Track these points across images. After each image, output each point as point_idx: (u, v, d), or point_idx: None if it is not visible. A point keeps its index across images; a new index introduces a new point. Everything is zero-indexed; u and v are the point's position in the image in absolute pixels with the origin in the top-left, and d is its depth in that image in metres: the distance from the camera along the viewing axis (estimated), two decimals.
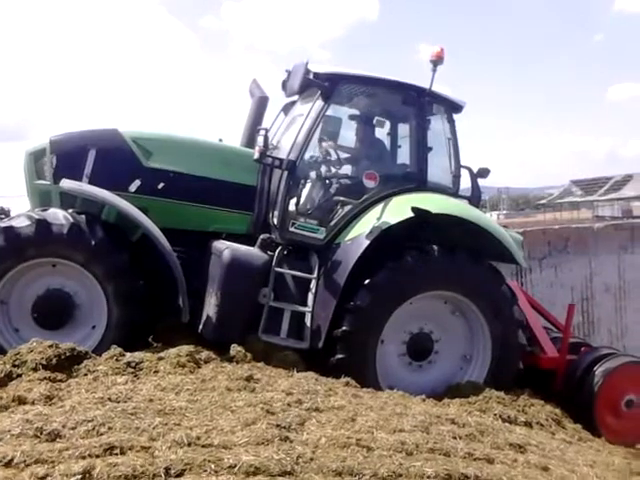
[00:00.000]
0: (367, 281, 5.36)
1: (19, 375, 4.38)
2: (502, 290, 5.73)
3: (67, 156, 5.82)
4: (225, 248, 5.48)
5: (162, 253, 5.38)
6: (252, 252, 5.58)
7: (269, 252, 5.67)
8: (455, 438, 3.89)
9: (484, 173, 6.62)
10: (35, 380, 4.27)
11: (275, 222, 5.82)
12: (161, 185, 5.87)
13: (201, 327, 5.50)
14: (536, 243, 8.81)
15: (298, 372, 4.93)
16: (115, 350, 4.76)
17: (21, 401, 3.88)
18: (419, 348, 5.68)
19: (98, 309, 5.41)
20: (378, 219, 5.55)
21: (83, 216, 5.45)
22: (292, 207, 5.81)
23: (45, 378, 4.30)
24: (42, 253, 5.28)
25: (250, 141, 6.63)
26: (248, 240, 5.80)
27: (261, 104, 6.70)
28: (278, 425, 3.62)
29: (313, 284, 5.59)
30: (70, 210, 5.57)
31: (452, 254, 5.59)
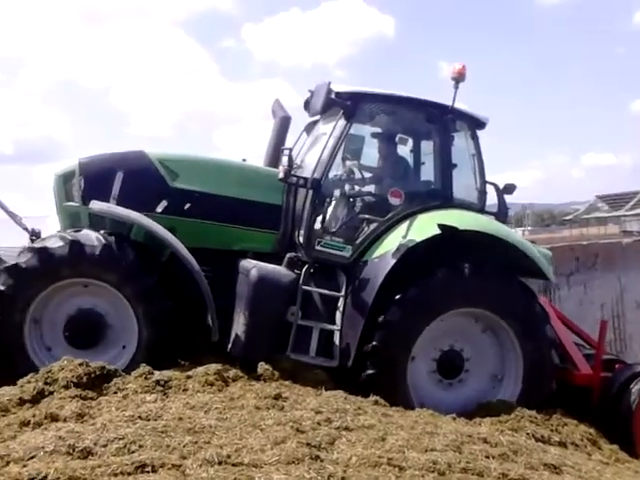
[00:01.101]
0: (397, 297, 5.34)
1: (51, 392, 4.41)
2: (534, 307, 5.65)
3: (95, 178, 5.91)
4: (252, 267, 5.49)
5: (191, 273, 5.41)
6: (279, 271, 5.58)
7: (296, 270, 5.68)
8: (488, 458, 3.82)
9: (510, 189, 6.57)
10: (66, 398, 4.30)
11: (301, 241, 5.83)
12: (187, 205, 5.93)
13: (230, 346, 5.50)
14: (564, 259, 8.68)
15: (327, 390, 4.91)
16: (144, 368, 4.78)
17: (53, 418, 3.91)
18: (449, 366, 5.62)
19: (129, 329, 5.46)
20: (405, 236, 5.53)
21: (114, 237, 5.52)
22: (318, 225, 5.82)
23: (76, 396, 4.33)
24: (75, 273, 5.35)
25: (273, 161, 6.70)
26: (273, 259, 5.81)
27: (284, 124, 6.76)
28: (308, 444, 3.59)
29: (341, 302, 5.59)
30: (101, 231, 5.65)
31: (482, 271, 5.54)
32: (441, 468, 3.49)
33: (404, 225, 5.69)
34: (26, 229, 6.34)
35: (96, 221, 5.86)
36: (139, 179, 5.92)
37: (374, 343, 5.26)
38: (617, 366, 6.21)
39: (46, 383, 4.51)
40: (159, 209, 5.88)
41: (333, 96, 5.79)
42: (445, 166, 6.09)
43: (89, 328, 5.44)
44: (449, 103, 5.88)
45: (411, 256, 5.43)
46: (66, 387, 4.45)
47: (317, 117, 6.67)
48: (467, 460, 3.67)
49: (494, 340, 5.72)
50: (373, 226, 5.86)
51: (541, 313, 5.69)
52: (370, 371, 5.24)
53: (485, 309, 5.57)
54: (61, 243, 5.32)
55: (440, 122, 6.06)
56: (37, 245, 5.44)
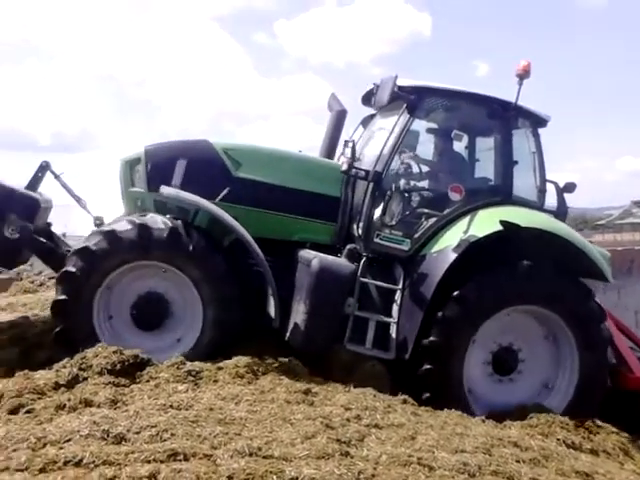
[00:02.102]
0: (456, 293, 5.34)
1: (85, 378, 4.49)
2: (591, 306, 5.60)
3: (160, 165, 5.99)
4: (314, 257, 5.50)
5: (255, 259, 5.48)
6: (340, 262, 5.59)
7: (354, 262, 5.70)
8: (519, 462, 3.79)
9: (570, 187, 6.51)
10: (100, 384, 4.38)
11: (360, 233, 5.87)
12: (249, 194, 6.00)
13: (288, 335, 5.52)
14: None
15: (383, 383, 5.02)
16: (177, 358, 4.84)
17: (87, 403, 3.98)
18: (504, 362, 5.62)
19: (193, 312, 5.54)
20: (465, 232, 5.53)
21: (180, 222, 5.61)
22: (377, 218, 5.84)
23: (110, 382, 4.41)
24: (142, 256, 5.44)
25: (329, 153, 6.78)
26: (330, 250, 5.85)
27: (340, 117, 6.79)
28: (338, 440, 3.60)
29: (398, 295, 5.61)
30: (167, 216, 5.74)
31: (541, 268, 5.50)
32: (471, 470, 3.48)
33: (465, 220, 5.68)
34: (90, 213, 6.45)
35: (160, 207, 5.98)
36: (203, 167, 5.98)
37: (432, 338, 5.27)
38: None
39: (80, 369, 4.59)
40: (221, 197, 5.91)
41: (396, 89, 5.76)
42: (506, 163, 6.06)
43: (155, 310, 5.55)
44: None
45: (470, 252, 5.42)
46: (100, 373, 4.53)
47: (374, 111, 6.74)
48: (497, 463, 3.65)
49: (554, 348, 5.68)
50: (432, 221, 5.86)
51: (598, 312, 5.63)
52: (427, 366, 5.24)
53: (542, 307, 5.53)
54: (129, 226, 5.41)
55: (502, 119, 6.03)
56: (106, 228, 5.55)
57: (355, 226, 5.96)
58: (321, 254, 5.59)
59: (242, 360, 4.94)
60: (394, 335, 5.48)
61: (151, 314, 5.55)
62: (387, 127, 6.03)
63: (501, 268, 5.46)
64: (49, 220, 6.58)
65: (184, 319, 5.59)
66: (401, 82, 5.75)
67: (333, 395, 4.56)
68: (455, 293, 5.33)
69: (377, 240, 5.79)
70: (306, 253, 5.70)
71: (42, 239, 5.93)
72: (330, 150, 6.80)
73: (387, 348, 5.48)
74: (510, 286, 5.45)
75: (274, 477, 3.02)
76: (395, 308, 5.57)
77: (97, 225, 6.12)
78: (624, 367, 5.94)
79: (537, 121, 6.29)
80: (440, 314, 5.29)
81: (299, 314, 5.44)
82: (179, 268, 5.48)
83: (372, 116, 6.86)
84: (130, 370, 4.64)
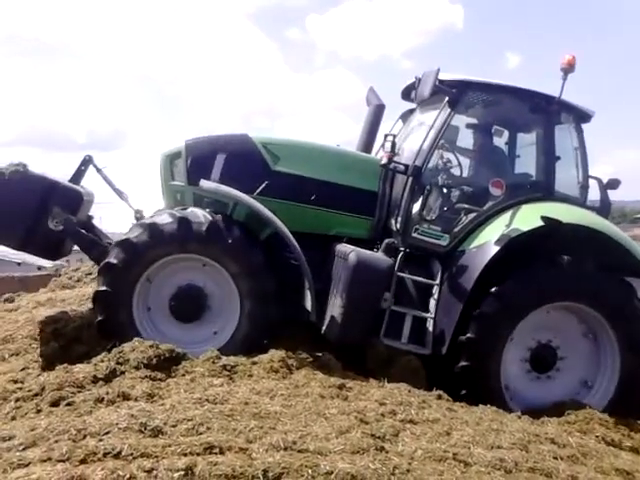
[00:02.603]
0: (495, 289, 5.29)
1: (122, 372, 4.56)
2: (634, 304, 5.48)
3: (200, 159, 6.06)
4: (351, 251, 5.50)
5: (292, 252, 5.53)
6: (378, 256, 5.60)
7: (392, 257, 5.69)
8: (556, 459, 3.74)
9: (614, 184, 6.40)
10: (137, 378, 4.44)
11: (398, 227, 5.84)
12: (287, 188, 6.03)
13: (324, 328, 5.54)
14: None
15: (418, 378, 5.02)
16: (212, 353, 4.89)
17: (125, 397, 4.05)
18: (542, 359, 5.55)
19: (231, 305, 5.60)
20: (507, 227, 5.48)
21: (220, 215, 5.68)
22: (415, 213, 5.81)
23: (146, 376, 4.47)
24: (182, 249, 5.52)
25: (367, 147, 6.77)
26: (367, 245, 5.85)
27: (378, 111, 6.77)
28: (373, 435, 3.60)
29: (435, 290, 5.59)
30: (207, 210, 5.82)
31: (582, 265, 5.41)
32: (508, 466, 3.44)
33: (506, 216, 5.62)
34: (131, 207, 6.56)
35: (199, 200, 6.05)
36: (242, 161, 6.04)
37: (469, 335, 5.23)
38: None
39: (118, 363, 4.66)
40: (259, 191, 5.95)
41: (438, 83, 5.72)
42: (548, 158, 5.97)
43: (193, 303, 5.62)
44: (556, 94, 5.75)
45: (511, 248, 5.36)
46: (137, 368, 4.59)
47: (413, 105, 6.70)
48: (535, 460, 3.61)
49: (593, 346, 5.60)
50: (472, 216, 5.81)
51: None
52: (464, 362, 5.20)
53: (583, 304, 5.44)
54: (170, 219, 5.51)
55: (545, 113, 5.93)
56: (147, 221, 5.65)
57: (393, 220, 5.93)
58: (358, 248, 5.58)
59: (276, 355, 4.97)
60: (431, 330, 5.45)
61: (189, 306, 5.61)
62: (427, 122, 5.98)
63: (541, 264, 5.38)
64: (90, 213, 6.69)
65: (222, 312, 5.65)
66: (442, 76, 5.69)
67: (367, 390, 4.56)
68: (494, 289, 5.27)
69: (415, 235, 5.76)
70: (343, 247, 5.70)
71: (85, 232, 6.04)
72: (368, 144, 6.78)
73: (423, 343, 5.46)
74: (550, 283, 5.36)
75: (309, 471, 3.03)
76: (432, 303, 5.55)
77: (137, 218, 6.22)
78: None
79: (580, 116, 6.16)
80: (478, 310, 5.24)
81: (336, 308, 5.44)
82: (217, 261, 5.54)
83: (411, 111, 6.82)
84: (166, 364, 4.70)
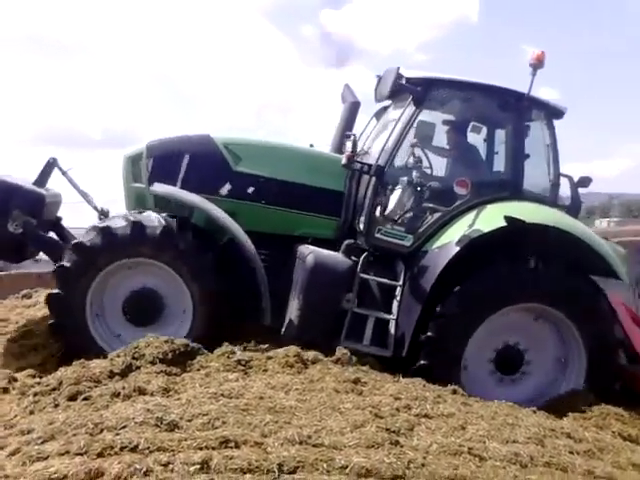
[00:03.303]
0: (456, 289, 5.20)
1: (138, 367, 4.58)
2: (599, 305, 5.39)
3: (162, 160, 6.03)
4: (309, 253, 5.48)
5: (246, 256, 5.53)
6: (336, 257, 5.55)
7: (354, 258, 5.62)
8: (572, 453, 3.73)
9: (585, 182, 6.27)
10: (152, 373, 4.46)
11: (361, 228, 5.75)
12: (250, 189, 5.98)
13: (283, 330, 5.54)
14: None
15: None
16: (227, 348, 4.91)
17: (141, 391, 4.07)
18: (508, 360, 5.44)
19: (185, 308, 5.62)
20: (469, 227, 5.37)
21: (175, 219, 5.67)
22: (379, 213, 5.71)
23: (162, 371, 4.49)
24: (135, 253, 5.53)
25: (340, 146, 6.62)
26: (333, 246, 5.78)
27: (353, 109, 6.64)
28: (387, 429, 3.60)
29: (398, 291, 5.49)
30: (164, 214, 5.79)
31: (546, 266, 5.32)
32: (523, 461, 3.44)
33: (469, 216, 5.51)
34: (95, 208, 6.54)
35: (161, 203, 6.00)
36: (204, 162, 6.00)
37: (429, 334, 5.16)
38: None
39: (134, 358, 4.69)
40: (222, 192, 5.94)
41: (403, 81, 5.66)
42: (517, 156, 5.84)
43: (146, 306, 5.63)
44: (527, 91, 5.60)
45: (474, 248, 5.26)
46: (152, 363, 4.61)
47: (388, 103, 6.55)
48: (550, 454, 3.60)
49: (561, 348, 5.50)
50: (437, 216, 5.70)
51: (607, 312, 5.42)
52: (423, 361, 5.12)
53: (547, 305, 5.33)
54: (124, 223, 5.51)
55: (514, 110, 5.80)
56: (101, 225, 5.64)
57: (357, 221, 5.85)
58: (318, 249, 5.55)
59: (291, 350, 4.96)
60: (393, 332, 5.37)
61: (143, 310, 5.63)
62: (396, 119, 5.86)
63: (502, 265, 5.28)
64: (59, 215, 6.71)
65: (176, 315, 5.66)
66: (408, 73, 5.63)
67: (382, 385, 4.55)
68: (455, 289, 5.19)
69: (378, 235, 5.66)
70: (304, 248, 5.66)
71: (47, 234, 6.09)
72: (342, 143, 6.58)
73: (385, 345, 5.38)
74: (511, 284, 5.26)
75: (324, 465, 3.05)
76: (395, 304, 5.46)
77: (101, 219, 6.19)
78: (637, 367, 5.66)
79: (552, 112, 6.02)
80: (438, 310, 5.17)
81: (294, 309, 5.43)
82: (170, 265, 5.54)
83: (385, 109, 6.66)
84: (181, 359, 4.72)
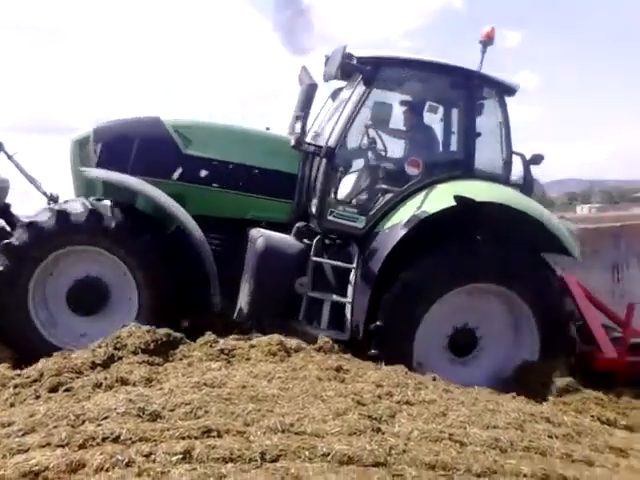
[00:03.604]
0: (403, 273, 5.20)
1: (120, 357, 4.57)
2: (550, 282, 5.43)
3: (111, 144, 5.93)
4: (259, 236, 5.46)
5: (193, 241, 5.50)
6: (286, 240, 5.54)
7: (306, 241, 5.60)
8: (551, 437, 3.76)
9: (537, 159, 6.29)
10: (135, 363, 4.45)
11: (314, 210, 5.71)
12: (201, 173, 5.92)
13: (235, 314, 5.52)
14: (635, 238, 8.35)
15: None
16: (209, 337, 4.89)
17: (123, 382, 4.07)
18: (462, 342, 5.49)
19: (130, 296, 5.59)
20: (418, 207, 5.35)
21: (105, 202, 5.64)
22: (331, 195, 5.70)
23: (144, 361, 4.48)
24: (67, 242, 5.47)
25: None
26: (289, 229, 5.75)
27: (310, 91, 6.43)
28: (369, 416, 3.62)
29: (352, 274, 5.46)
30: (91, 198, 5.75)
31: (496, 245, 5.33)
32: (503, 445, 3.47)
33: (419, 196, 5.49)
34: (45, 193, 6.45)
35: (110, 189, 5.90)
36: (153, 146, 5.92)
37: (378, 323, 5.16)
38: None
39: (115, 348, 4.67)
40: (173, 176, 5.87)
41: (354, 61, 5.61)
42: (468, 135, 5.81)
43: (90, 295, 5.59)
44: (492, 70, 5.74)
45: (424, 228, 5.25)
46: (134, 353, 4.60)
47: (344, 83, 6.44)
48: (530, 439, 3.63)
49: (511, 319, 5.54)
50: (388, 196, 5.67)
51: (558, 288, 5.48)
52: (374, 350, 5.11)
53: (497, 284, 5.36)
54: (49, 215, 5.44)
55: (466, 88, 5.77)
56: (57, 207, 5.59)
57: (310, 203, 5.82)
58: (268, 232, 5.53)
59: (274, 338, 4.95)
60: (349, 315, 5.35)
61: (89, 298, 5.58)
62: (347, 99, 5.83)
63: (450, 245, 5.28)
64: (7, 201, 6.57)
65: (122, 302, 5.61)
66: (358, 53, 5.58)
67: (364, 372, 4.57)
68: (402, 273, 5.18)
69: (331, 218, 5.62)
70: (255, 231, 5.62)
71: None
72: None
73: (342, 328, 5.36)
74: (462, 264, 5.26)
75: (306, 453, 3.07)
76: (350, 287, 5.43)
77: (49, 204, 6.10)
78: (593, 346, 5.76)
79: (504, 90, 5.99)
80: (386, 296, 5.16)
81: (245, 293, 5.41)
82: (106, 249, 5.48)
83: (341, 89, 6.55)
84: (163, 349, 4.70)
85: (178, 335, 4.90)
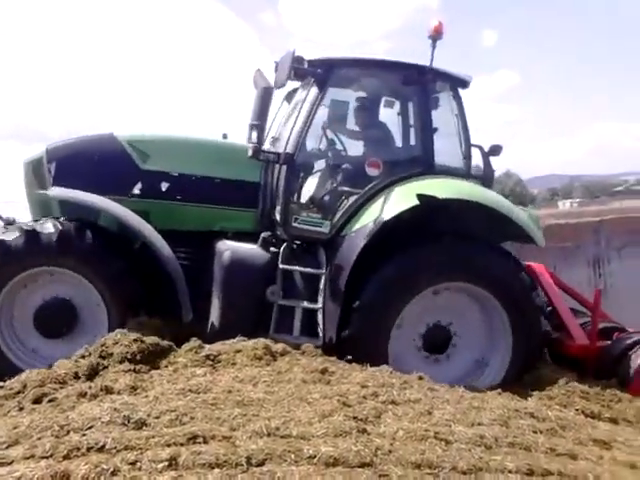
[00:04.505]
0: (372, 277, 5.20)
1: (105, 367, 4.54)
2: (518, 275, 5.45)
3: (65, 163, 5.81)
4: (226, 249, 5.44)
5: (159, 256, 5.44)
6: (253, 251, 5.51)
7: (273, 249, 5.58)
8: (535, 432, 3.79)
9: (496, 150, 6.31)
10: (120, 371, 4.44)
11: (278, 218, 5.67)
12: (161, 187, 5.84)
13: (208, 330, 5.46)
14: (615, 232, 8.48)
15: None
16: (194, 343, 4.88)
17: (108, 391, 4.04)
18: (436, 341, 5.52)
19: (98, 314, 5.48)
20: (382, 209, 5.31)
21: (73, 223, 5.49)
22: (294, 202, 5.68)
23: (129, 370, 4.46)
24: (35, 263, 5.36)
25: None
26: (256, 238, 5.70)
27: (265, 95, 6.31)
28: (355, 417, 3.63)
29: (322, 279, 5.44)
30: (61, 218, 5.63)
31: (461, 242, 5.35)
32: (488, 442, 3.48)
33: (382, 197, 5.46)
34: (0, 217, 6.24)
35: (67, 209, 5.78)
36: (109, 163, 5.81)
37: (350, 330, 5.16)
38: (616, 335, 5.93)
39: (101, 357, 4.65)
40: (132, 192, 5.80)
41: (305, 65, 5.60)
42: (425, 131, 5.78)
43: (59, 317, 5.48)
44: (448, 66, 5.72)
45: (390, 230, 5.23)
46: (120, 362, 4.57)
47: (297, 85, 6.38)
48: (514, 435, 3.65)
49: (486, 324, 5.58)
50: (352, 199, 5.62)
51: (527, 280, 5.50)
52: (349, 357, 5.05)
53: (467, 282, 5.39)
54: (17, 234, 5.32)
55: (419, 84, 5.76)
56: None
57: (274, 211, 5.79)
58: (235, 244, 5.51)
59: (260, 342, 4.95)
60: (320, 322, 5.34)
61: (56, 321, 5.47)
62: (301, 103, 5.82)
63: (417, 245, 5.28)
64: None
65: (93, 324, 5.51)
66: (309, 56, 5.58)
67: (349, 373, 4.58)
68: (371, 277, 5.19)
69: (295, 224, 5.59)
70: (221, 244, 5.60)
71: None
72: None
73: (315, 335, 5.34)
74: (428, 263, 5.27)
75: (292, 456, 3.06)
76: (320, 294, 5.40)
77: (5, 229, 5.89)
78: (563, 334, 5.85)
79: (458, 83, 6.02)
80: (356, 303, 5.16)
81: (215, 308, 5.39)
82: (75, 270, 5.38)
83: (295, 91, 6.46)
84: (150, 357, 4.69)
85: (167, 344, 4.88)
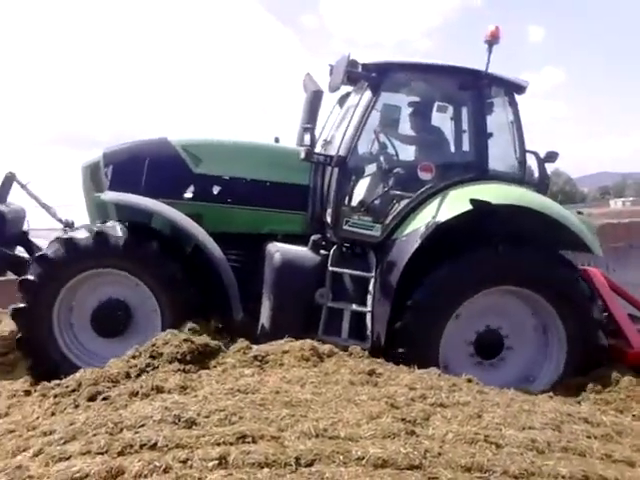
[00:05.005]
0: (426, 277, 5.17)
1: (155, 367, 4.62)
2: (576, 283, 5.33)
3: (121, 167, 5.98)
4: (276, 251, 5.47)
5: (212, 259, 5.52)
6: (303, 254, 5.54)
7: (323, 252, 5.59)
8: (590, 438, 3.68)
9: (552, 157, 6.22)
10: (170, 371, 4.51)
11: (329, 221, 5.69)
12: (213, 190, 5.95)
13: (258, 331, 5.52)
14: None
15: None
16: (242, 344, 4.92)
17: (159, 390, 4.12)
18: (488, 345, 5.43)
19: (153, 318, 5.61)
20: (434, 213, 5.30)
21: (139, 228, 5.66)
22: (345, 204, 5.68)
23: (179, 370, 4.53)
24: (100, 264, 5.54)
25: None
26: (304, 241, 5.74)
27: (315, 99, 6.36)
28: (403, 419, 3.60)
29: (371, 282, 5.44)
30: (126, 222, 5.79)
31: (515, 247, 5.26)
32: (540, 446, 3.41)
33: (434, 201, 5.44)
34: (60, 220, 6.56)
35: (123, 212, 5.95)
36: (163, 166, 5.95)
37: (403, 322, 5.14)
38: None
39: (151, 357, 4.74)
40: (185, 196, 5.91)
41: (359, 69, 5.61)
42: (480, 136, 5.75)
43: (115, 317, 5.63)
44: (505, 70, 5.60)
45: (442, 234, 5.21)
46: (170, 362, 4.66)
47: (350, 89, 6.42)
48: (568, 439, 3.56)
49: (541, 333, 5.48)
50: (404, 203, 5.62)
51: (585, 290, 5.37)
52: (400, 349, 5.08)
53: (521, 287, 5.30)
54: (87, 234, 5.50)
55: (474, 89, 5.71)
56: (64, 236, 5.64)
57: (325, 214, 5.79)
58: (285, 246, 5.54)
59: (307, 343, 4.96)
60: (369, 324, 5.33)
61: (112, 321, 5.61)
62: (354, 107, 5.81)
63: (472, 249, 5.23)
64: (26, 228, 6.72)
65: (146, 325, 5.63)
66: (363, 60, 5.57)
67: (397, 375, 4.55)
68: (425, 277, 5.16)
69: (346, 227, 5.60)
70: (272, 246, 5.63)
71: (14, 250, 6.16)
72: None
73: (363, 338, 5.33)
74: (482, 267, 5.21)
75: (341, 457, 3.06)
76: (369, 296, 5.40)
77: (65, 231, 6.15)
78: (622, 341, 5.63)
79: (514, 88, 5.93)
80: (409, 302, 5.13)
81: (266, 309, 5.42)
82: (135, 275, 5.53)
83: (348, 95, 6.48)
84: (199, 357, 4.75)
85: (215, 344, 4.93)
